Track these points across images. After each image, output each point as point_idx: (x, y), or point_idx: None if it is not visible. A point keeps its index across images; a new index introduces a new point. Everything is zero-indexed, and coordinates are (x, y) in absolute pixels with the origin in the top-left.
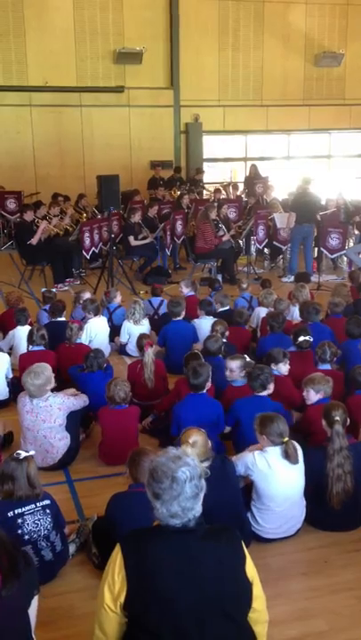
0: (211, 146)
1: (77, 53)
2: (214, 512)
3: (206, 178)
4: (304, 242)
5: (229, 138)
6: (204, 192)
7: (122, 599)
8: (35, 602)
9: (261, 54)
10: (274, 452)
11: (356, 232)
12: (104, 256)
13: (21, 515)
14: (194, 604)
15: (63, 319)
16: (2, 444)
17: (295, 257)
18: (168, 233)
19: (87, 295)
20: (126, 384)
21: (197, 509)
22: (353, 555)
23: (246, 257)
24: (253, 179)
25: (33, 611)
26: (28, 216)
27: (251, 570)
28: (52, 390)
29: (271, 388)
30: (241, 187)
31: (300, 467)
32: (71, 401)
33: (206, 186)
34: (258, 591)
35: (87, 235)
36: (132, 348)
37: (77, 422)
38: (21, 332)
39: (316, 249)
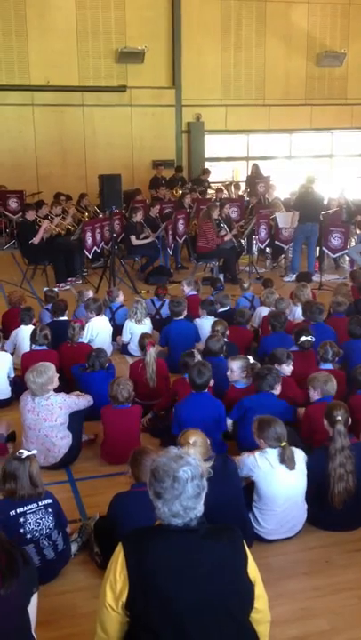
0: (213, 145)
1: (79, 53)
2: (216, 512)
3: (209, 177)
4: (307, 241)
5: (231, 137)
6: (209, 191)
7: (124, 599)
8: (34, 599)
9: (263, 54)
10: (273, 454)
11: (358, 231)
12: (106, 255)
13: (23, 514)
14: (195, 604)
15: (65, 318)
16: (5, 443)
17: (297, 256)
18: (170, 232)
19: (90, 293)
20: (129, 383)
21: (199, 509)
22: (354, 554)
23: (248, 256)
24: (255, 178)
25: (33, 608)
26: (30, 215)
27: (253, 570)
28: (56, 390)
29: (278, 389)
30: (243, 186)
31: (301, 469)
32: (73, 400)
33: (210, 185)
34: (260, 591)
35: (89, 234)
36: (134, 348)
37: (81, 422)
38: (25, 332)
39: (318, 248)
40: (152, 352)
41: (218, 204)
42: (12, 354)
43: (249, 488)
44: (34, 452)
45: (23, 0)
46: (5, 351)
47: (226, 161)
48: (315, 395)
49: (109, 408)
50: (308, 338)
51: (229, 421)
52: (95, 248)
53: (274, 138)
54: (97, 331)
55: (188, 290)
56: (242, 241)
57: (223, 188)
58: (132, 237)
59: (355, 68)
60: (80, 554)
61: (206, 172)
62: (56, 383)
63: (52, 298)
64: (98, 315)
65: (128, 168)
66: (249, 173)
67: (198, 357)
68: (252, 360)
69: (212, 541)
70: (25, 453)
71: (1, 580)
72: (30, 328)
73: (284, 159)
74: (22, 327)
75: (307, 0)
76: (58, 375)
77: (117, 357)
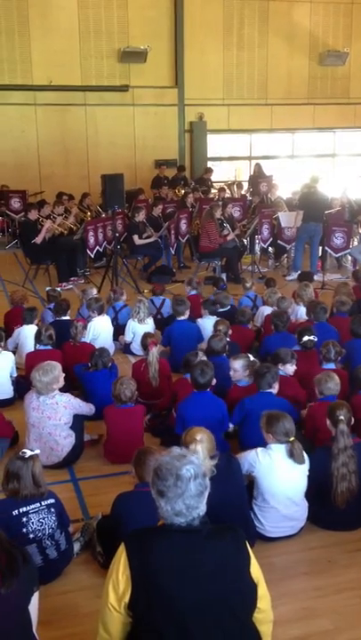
0: (215, 145)
1: (82, 52)
2: (219, 511)
3: (211, 177)
4: (310, 240)
5: (234, 137)
6: (211, 190)
7: (126, 599)
8: (35, 599)
9: (266, 53)
10: (278, 450)
11: None
12: (108, 255)
13: (26, 513)
14: (198, 604)
15: (67, 318)
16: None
17: (300, 255)
18: (172, 232)
19: (94, 292)
20: (132, 383)
21: (202, 508)
22: (357, 554)
23: (251, 256)
24: (258, 177)
25: (33, 608)
26: (33, 215)
27: (256, 570)
28: (60, 389)
29: (276, 387)
30: (245, 186)
31: (303, 469)
32: (78, 402)
33: (212, 185)
34: (263, 591)
35: (91, 234)
36: (136, 347)
37: (82, 422)
38: (27, 331)
39: (320, 248)
40: (154, 352)
41: (220, 203)
42: (14, 353)
43: (250, 485)
44: (37, 451)
45: (26, 0)
46: (8, 350)
47: (228, 160)
48: (318, 394)
49: (112, 407)
50: (311, 337)
51: (231, 425)
52: (98, 248)
53: (276, 137)
54: (99, 330)
55: (189, 289)
56: (244, 240)
57: (226, 187)
58: (135, 237)
59: (357, 68)
60: (82, 553)
61: (209, 171)
62: (61, 383)
63: (54, 297)
64: (100, 314)
65: (130, 167)
66: (251, 173)
67: (203, 358)
68: (252, 358)
69: (214, 541)
70: (28, 453)
71: (1, 580)
72: (33, 327)
73: (287, 158)
74: (25, 327)
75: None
76: (64, 375)
77: (120, 357)
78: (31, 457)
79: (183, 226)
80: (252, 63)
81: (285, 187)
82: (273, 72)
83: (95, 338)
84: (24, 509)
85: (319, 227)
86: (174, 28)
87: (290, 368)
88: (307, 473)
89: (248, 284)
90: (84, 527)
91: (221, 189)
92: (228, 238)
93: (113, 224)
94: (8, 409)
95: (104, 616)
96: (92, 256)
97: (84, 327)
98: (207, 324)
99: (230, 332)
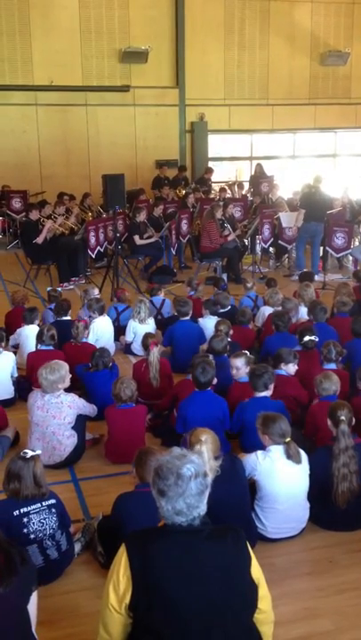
0: (216, 145)
1: (83, 52)
2: (222, 510)
3: (212, 177)
4: (311, 240)
5: (235, 137)
6: (212, 190)
7: (127, 600)
8: (34, 598)
9: (267, 53)
10: (277, 451)
11: None
12: (109, 255)
13: (27, 514)
14: (199, 605)
15: (68, 318)
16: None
17: (302, 254)
18: (173, 232)
19: (96, 292)
20: (132, 383)
21: (202, 508)
22: (358, 554)
23: (251, 256)
24: (259, 178)
25: (32, 608)
26: (34, 215)
27: (256, 571)
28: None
29: (271, 388)
30: (246, 186)
31: (304, 468)
32: (82, 402)
33: (213, 185)
34: (264, 592)
35: (92, 234)
36: (137, 347)
37: (85, 422)
38: (28, 331)
39: (321, 248)
40: (155, 352)
41: (221, 203)
42: (15, 352)
43: (251, 486)
44: (38, 452)
45: (27, 0)
46: (9, 350)
47: (229, 161)
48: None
49: (113, 408)
50: (312, 337)
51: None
52: (99, 248)
53: (277, 137)
54: (100, 331)
55: (189, 290)
56: (245, 240)
57: (227, 187)
58: (136, 237)
59: (359, 68)
60: (83, 553)
61: (210, 171)
62: (67, 383)
63: (55, 298)
64: (100, 315)
65: (131, 168)
66: (252, 173)
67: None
68: (248, 354)
69: (215, 542)
70: (29, 453)
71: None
72: (33, 327)
73: (288, 159)
74: (25, 327)
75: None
76: (70, 376)
77: (121, 357)
78: (32, 457)
79: (184, 226)
80: (253, 63)
81: (286, 187)
82: (274, 72)
83: (98, 338)
84: (25, 510)
85: (320, 227)
86: (175, 28)
87: (292, 368)
88: (308, 472)
89: (249, 285)
90: (84, 527)
91: (222, 189)
92: (229, 238)
93: (114, 224)
94: (9, 409)
95: (104, 617)
96: (93, 256)
97: (86, 327)
98: (208, 323)
99: (231, 332)
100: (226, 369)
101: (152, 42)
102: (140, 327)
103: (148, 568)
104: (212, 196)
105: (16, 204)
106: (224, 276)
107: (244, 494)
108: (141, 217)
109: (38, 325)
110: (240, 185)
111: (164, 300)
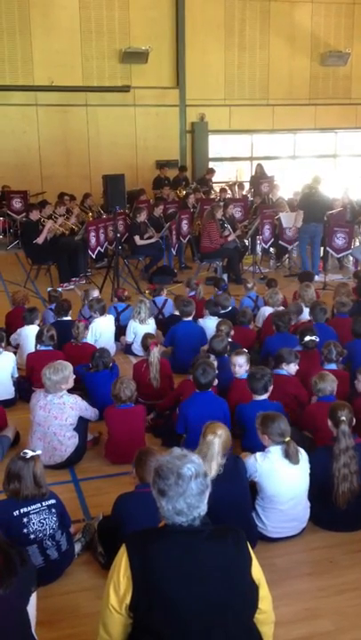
0: (216, 145)
1: (83, 53)
2: (223, 510)
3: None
4: (311, 241)
5: (235, 137)
6: (212, 191)
7: (127, 600)
8: (33, 599)
9: (267, 53)
10: (276, 451)
11: None
12: (110, 255)
13: (27, 514)
14: (199, 606)
15: (69, 318)
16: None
17: (305, 255)
18: (174, 232)
19: (96, 292)
20: (132, 383)
21: (203, 508)
22: (359, 555)
23: (252, 256)
24: (259, 178)
25: (32, 608)
26: (34, 215)
27: (257, 571)
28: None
29: (270, 390)
30: (247, 186)
31: (305, 468)
32: (85, 404)
33: (213, 185)
34: (264, 592)
35: (93, 234)
36: (137, 348)
37: (86, 424)
38: (28, 332)
39: (322, 248)
40: (155, 352)
41: (222, 203)
42: (15, 352)
43: (252, 486)
44: (38, 452)
45: (27, 0)
46: (9, 351)
47: (230, 161)
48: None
49: (113, 408)
50: (313, 338)
51: None
52: (99, 248)
53: (278, 138)
54: (101, 331)
55: (188, 290)
56: (246, 241)
57: (227, 187)
58: (136, 237)
59: (359, 68)
60: (83, 554)
61: (210, 171)
62: (71, 384)
63: (55, 298)
64: (101, 315)
65: (132, 168)
66: (253, 173)
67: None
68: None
69: (215, 542)
70: (29, 453)
71: None
72: (34, 328)
73: (288, 159)
74: (26, 327)
75: (311, 0)
76: (74, 377)
77: (121, 357)
78: (32, 457)
79: (184, 226)
80: (253, 63)
81: (287, 187)
82: (274, 72)
83: (97, 339)
84: (25, 510)
85: (320, 227)
86: (175, 28)
87: (293, 368)
88: (308, 471)
89: (249, 285)
90: (85, 528)
91: (223, 190)
92: (230, 239)
93: (114, 224)
94: (9, 409)
95: (105, 617)
96: (94, 256)
97: (86, 327)
98: (209, 324)
99: (232, 332)
100: (227, 369)
101: (152, 42)
102: (141, 327)
103: (148, 568)
104: (212, 196)
105: (16, 204)
106: (224, 277)
107: (245, 494)
108: (142, 217)
109: (38, 326)
110: (240, 185)
111: (166, 300)
